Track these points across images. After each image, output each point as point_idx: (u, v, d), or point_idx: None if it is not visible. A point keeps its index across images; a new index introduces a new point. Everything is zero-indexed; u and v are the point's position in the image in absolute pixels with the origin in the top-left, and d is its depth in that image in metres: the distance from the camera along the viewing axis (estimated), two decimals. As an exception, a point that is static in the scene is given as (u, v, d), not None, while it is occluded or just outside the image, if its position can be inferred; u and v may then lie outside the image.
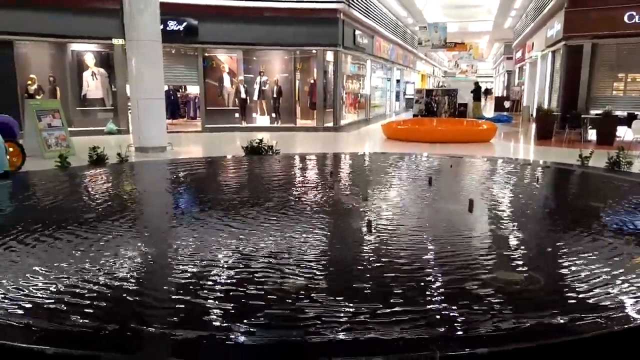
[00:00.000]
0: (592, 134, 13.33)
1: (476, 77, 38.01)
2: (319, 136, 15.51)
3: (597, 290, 2.40)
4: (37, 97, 13.31)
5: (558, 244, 3.39)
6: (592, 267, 2.73)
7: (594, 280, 2.53)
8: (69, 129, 11.08)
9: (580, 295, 2.36)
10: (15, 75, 13.17)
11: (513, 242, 3.42)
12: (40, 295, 2.37)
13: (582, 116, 13.48)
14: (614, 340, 2.00)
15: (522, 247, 3.32)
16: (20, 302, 2.27)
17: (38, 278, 2.57)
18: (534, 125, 16.80)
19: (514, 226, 3.83)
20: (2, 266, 2.78)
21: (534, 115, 17.90)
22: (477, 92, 23.12)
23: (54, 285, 2.49)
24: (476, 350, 1.83)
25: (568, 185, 6.29)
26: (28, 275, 2.62)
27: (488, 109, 30.06)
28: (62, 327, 2.06)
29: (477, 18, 28.17)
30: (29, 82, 13.53)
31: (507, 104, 27.59)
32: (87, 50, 14.68)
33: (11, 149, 7.89)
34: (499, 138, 14.45)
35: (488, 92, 51.74)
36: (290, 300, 2.35)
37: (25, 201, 4.99)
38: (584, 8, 14.58)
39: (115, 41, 14.13)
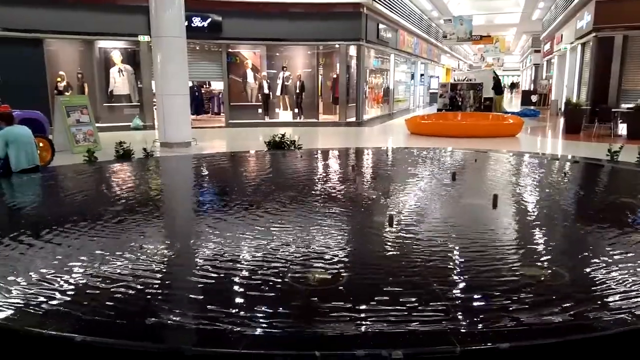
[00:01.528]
0: (622, 129, 12.95)
1: (499, 69, 37.05)
2: (341, 131, 15.47)
3: (624, 287, 2.34)
4: (66, 93, 13.62)
5: (585, 240, 3.32)
6: (621, 264, 2.66)
7: (622, 277, 2.46)
8: (96, 124, 11.31)
9: (606, 291, 2.31)
10: (45, 72, 13.50)
11: (537, 238, 3.36)
12: (70, 284, 2.43)
13: (613, 110, 13.11)
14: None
15: (547, 243, 3.26)
16: (51, 291, 2.34)
17: (70, 267, 2.64)
18: (562, 120, 16.42)
19: (538, 222, 3.76)
20: (26, 257, 2.86)
21: (563, 109, 17.48)
22: (498, 85, 21.78)
23: (80, 274, 2.56)
24: (497, 344, 1.81)
25: (597, 181, 6.13)
26: (58, 264, 2.69)
27: (514, 102, 29.50)
28: (89, 316, 2.12)
29: (504, 10, 27.60)
30: (58, 79, 13.85)
31: (534, 98, 27.00)
32: (114, 47, 14.94)
33: (41, 144, 8.10)
34: (526, 132, 14.17)
35: (514, 85, 50.72)
36: (311, 293, 2.36)
37: (54, 194, 5.13)
38: (615, -2, 14.15)
39: (141, 38, 14.35)
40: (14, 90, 10.98)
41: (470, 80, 20.42)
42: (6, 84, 11.23)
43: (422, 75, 30.39)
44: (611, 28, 14.32)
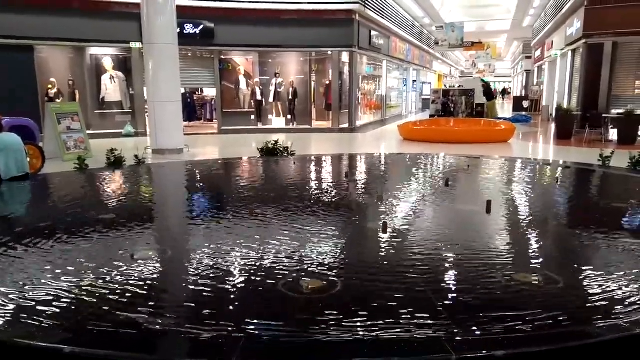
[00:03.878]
0: (613, 134, 13.07)
1: (491, 76, 37.28)
2: (334, 137, 15.49)
3: (618, 292, 2.33)
4: (57, 100, 13.53)
5: (578, 245, 3.32)
6: (615, 269, 2.66)
7: (616, 282, 2.46)
8: (88, 131, 11.24)
9: (601, 297, 2.30)
10: (35, 79, 13.41)
11: (531, 243, 3.36)
12: (59, 294, 2.39)
13: (603, 115, 13.23)
14: (635, 343, 1.94)
15: (541, 249, 3.26)
16: (39, 300, 2.30)
17: (59, 277, 2.60)
18: (553, 126, 16.55)
19: (532, 227, 3.76)
20: (13, 266, 2.82)
21: (554, 115, 17.62)
22: (488, 91, 21.47)
23: (71, 284, 2.52)
24: (492, 352, 1.79)
25: (589, 186, 6.16)
26: (46, 273, 2.65)
27: (506, 108, 29.70)
28: (78, 327, 2.08)
29: (495, 17, 27.84)
30: (49, 86, 13.76)
31: (525, 104, 27.21)
32: (106, 54, 14.89)
33: (31, 152, 8.03)
34: (518, 138, 14.26)
35: (505, 92, 51.10)
36: (306, 301, 2.33)
37: (43, 202, 5.07)
38: (604, 5, 14.31)
39: (133, 45, 14.32)
40: (3, 97, 10.91)
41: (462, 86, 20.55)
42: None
43: (414, 81, 30.55)
44: (601, 34, 14.48)
